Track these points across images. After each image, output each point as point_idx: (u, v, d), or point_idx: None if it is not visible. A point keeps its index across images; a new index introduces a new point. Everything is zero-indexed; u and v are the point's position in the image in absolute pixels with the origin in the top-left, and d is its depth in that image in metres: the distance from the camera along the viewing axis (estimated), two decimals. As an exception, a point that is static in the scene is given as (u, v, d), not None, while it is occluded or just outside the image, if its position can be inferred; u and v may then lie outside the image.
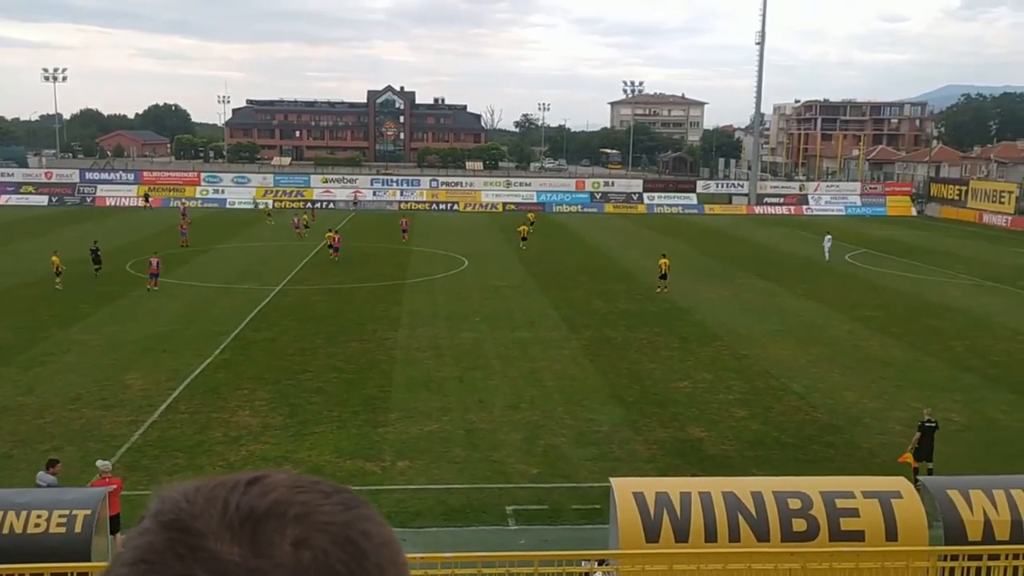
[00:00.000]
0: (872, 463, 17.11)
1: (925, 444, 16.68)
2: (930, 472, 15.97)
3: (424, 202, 79.50)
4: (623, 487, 11.33)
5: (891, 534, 10.83)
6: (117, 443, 18.22)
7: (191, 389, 22.07)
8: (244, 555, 0.83)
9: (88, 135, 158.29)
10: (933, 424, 16.83)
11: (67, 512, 10.86)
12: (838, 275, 42.93)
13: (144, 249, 47.32)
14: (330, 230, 47.37)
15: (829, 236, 49.00)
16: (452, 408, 20.98)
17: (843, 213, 79.77)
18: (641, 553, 10.44)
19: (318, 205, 77.38)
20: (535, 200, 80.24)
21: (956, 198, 79.91)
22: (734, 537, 10.68)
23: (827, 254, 47.69)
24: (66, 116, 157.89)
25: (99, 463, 14.23)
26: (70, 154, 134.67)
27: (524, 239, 51.02)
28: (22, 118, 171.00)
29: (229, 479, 0.92)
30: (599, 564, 10.72)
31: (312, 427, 19.46)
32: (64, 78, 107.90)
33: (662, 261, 36.94)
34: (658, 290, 35.93)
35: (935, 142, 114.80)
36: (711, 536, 10.69)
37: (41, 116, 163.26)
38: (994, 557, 10.58)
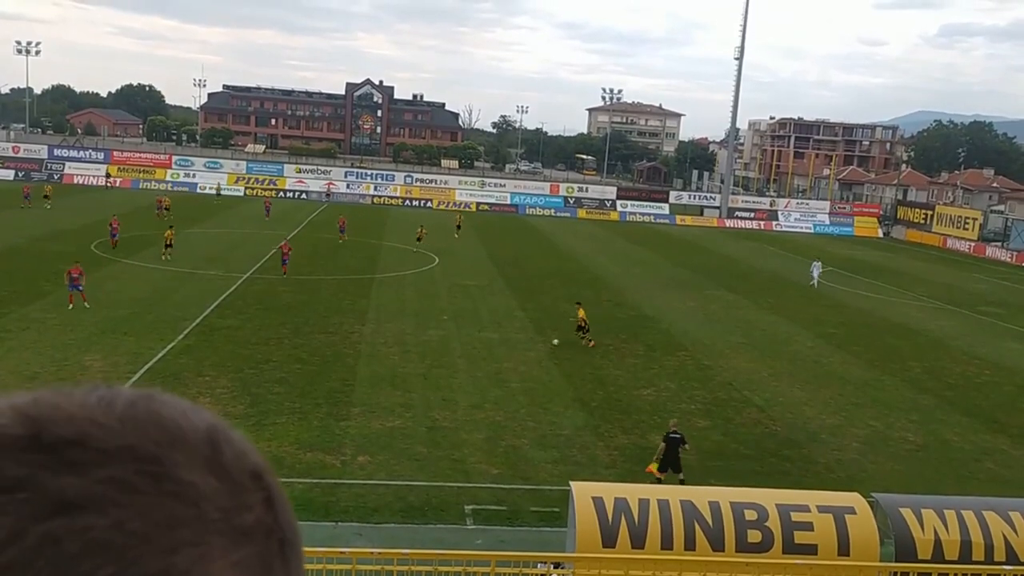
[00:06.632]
0: (828, 478, 17.33)
1: (670, 455, 16.87)
2: (682, 482, 16.04)
3: (397, 197, 79.26)
4: (582, 491, 11.39)
5: (843, 549, 11.00)
6: (73, 425, 17.93)
7: (152, 373, 21.79)
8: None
9: (59, 111, 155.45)
10: (678, 436, 16.99)
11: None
12: (802, 291, 43.42)
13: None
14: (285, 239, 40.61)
15: (818, 262, 45.98)
16: (415, 405, 20.92)
17: (811, 231, 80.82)
18: (597, 557, 10.50)
19: (290, 195, 76.86)
20: (508, 202, 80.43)
21: (922, 222, 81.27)
22: (690, 545, 10.78)
23: (815, 281, 44.55)
24: (37, 91, 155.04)
25: None
26: (39, 129, 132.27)
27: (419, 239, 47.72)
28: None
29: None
30: (555, 567, 10.76)
31: (273, 417, 19.31)
32: (37, 52, 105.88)
33: (579, 313, 28.32)
34: (583, 343, 27.67)
35: (904, 166, 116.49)
36: (667, 543, 10.78)
37: (11, 89, 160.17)
38: (942, 576, 10.79)
